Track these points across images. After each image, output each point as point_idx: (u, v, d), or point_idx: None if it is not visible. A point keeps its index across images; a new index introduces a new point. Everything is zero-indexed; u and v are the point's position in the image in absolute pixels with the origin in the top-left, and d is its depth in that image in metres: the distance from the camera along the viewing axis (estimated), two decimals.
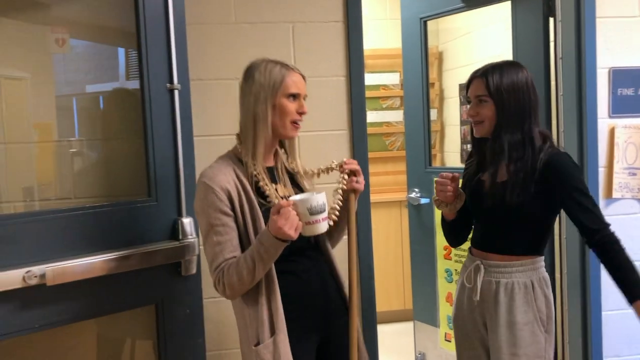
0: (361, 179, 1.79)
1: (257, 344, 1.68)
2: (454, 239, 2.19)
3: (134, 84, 2.07)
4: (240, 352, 1.80)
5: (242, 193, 1.70)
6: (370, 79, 4.68)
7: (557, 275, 2.81)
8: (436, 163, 4.63)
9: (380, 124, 4.94)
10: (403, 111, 4.09)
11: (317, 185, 1.92)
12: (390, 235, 4.52)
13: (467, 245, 2.18)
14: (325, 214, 1.63)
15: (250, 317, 1.71)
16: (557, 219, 2.40)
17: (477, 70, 1.99)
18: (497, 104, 1.91)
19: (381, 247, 4.36)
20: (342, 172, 1.78)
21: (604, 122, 2.67)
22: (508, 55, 2.94)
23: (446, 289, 3.19)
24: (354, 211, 1.82)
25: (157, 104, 2.01)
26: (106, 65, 2.35)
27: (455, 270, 3.11)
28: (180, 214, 2.05)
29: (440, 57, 4.79)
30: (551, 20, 2.76)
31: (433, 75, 4.70)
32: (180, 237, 2.03)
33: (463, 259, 2.63)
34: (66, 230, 1.86)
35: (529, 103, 1.92)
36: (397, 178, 4.76)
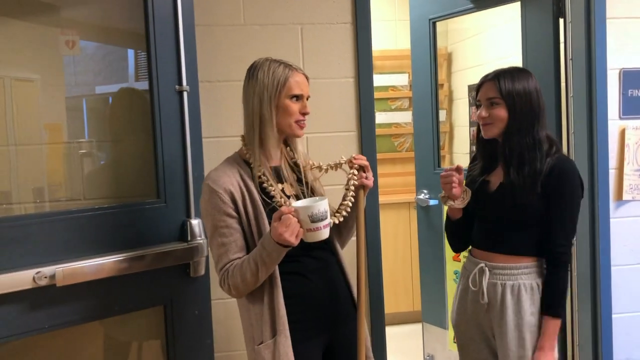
0: (370, 175, 1.78)
1: (260, 343, 1.69)
2: (458, 241, 2.18)
3: (143, 85, 2.08)
4: (246, 352, 1.80)
5: (246, 194, 1.71)
6: (379, 80, 4.67)
7: None
8: (445, 164, 4.61)
9: (389, 125, 4.93)
10: (412, 112, 4.08)
11: (325, 186, 1.91)
12: (398, 236, 4.51)
13: None
14: (327, 221, 1.63)
15: (254, 317, 1.72)
16: None
17: (488, 74, 2.02)
18: (509, 106, 1.94)
19: (390, 248, 4.36)
20: (351, 167, 1.77)
21: (614, 123, 2.65)
22: (518, 56, 2.93)
23: (455, 291, 3.17)
24: (363, 208, 1.81)
25: (166, 106, 2.02)
26: (116, 66, 2.35)
27: None
28: (188, 216, 2.06)
29: (449, 58, 4.78)
30: (561, 20, 2.74)
31: (442, 76, 4.68)
32: (189, 238, 2.03)
33: None
34: (76, 231, 1.88)
35: (538, 108, 1.96)
36: (405, 179, 4.75)
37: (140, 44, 2.05)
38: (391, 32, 4.88)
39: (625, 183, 2.65)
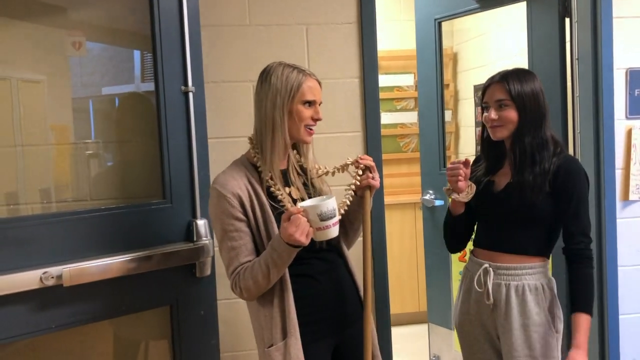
0: (376, 175, 1.78)
1: (271, 345, 1.69)
2: (456, 239, 2.17)
3: (149, 86, 2.08)
4: (257, 352, 1.81)
5: (253, 198, 1.71)
6: (384, 80, 4.66)
7: None
8: None
9: (394, 126, 4.93)
10: (417, 112, 4.07)
11: (332, 187, 1.91)
12: (404, 237, 4.50)
13: None
14: (336, 219, 1.63)
15: (263, 319, 1.72)
16: None
17: (493, 76, 2.01)
18: (519, 108, 1.94)
19: (395, 249, 4.35)
20: (357, 167, 1.77)
21: (620, 123, 2.64)
22: (523, 56, 2.92)
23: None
24: (369, 209, 1.80)
25: (171, 107, 2.03)
26: (122, 67, 2.36)
27: None
28: (194, 216, 2.06)
29: (454, 58, 4.77)
30: (567, 20, 2.73)
31: (447, 76, 4.68)
32: (195, 238, 2.04)
33: None
34: (82, 231, 1.88)
35: (544, 108, 1.97)
36: (411, 180, 4.75)
37: (146, 45, 2.06)
38: (396, 33, 4.87)
39: (632, 183, 2.64)
